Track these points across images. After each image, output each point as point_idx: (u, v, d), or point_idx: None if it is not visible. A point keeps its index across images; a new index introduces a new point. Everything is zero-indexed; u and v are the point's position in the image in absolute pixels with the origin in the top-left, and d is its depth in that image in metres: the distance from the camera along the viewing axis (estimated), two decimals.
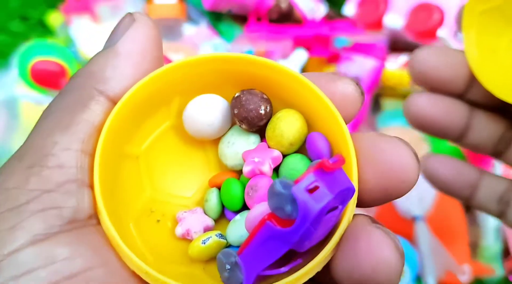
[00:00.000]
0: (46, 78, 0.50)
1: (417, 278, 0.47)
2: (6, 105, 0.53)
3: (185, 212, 0.19)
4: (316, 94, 0.17)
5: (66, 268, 0.14)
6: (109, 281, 0.15)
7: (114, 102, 0.17)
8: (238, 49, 0.59)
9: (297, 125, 0.18)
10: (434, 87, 0.26)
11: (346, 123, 0.17)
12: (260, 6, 0.62)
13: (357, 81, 0.17)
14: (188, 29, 0.65)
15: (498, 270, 0.48)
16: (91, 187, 0.16)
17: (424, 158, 0.29)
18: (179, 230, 0.19)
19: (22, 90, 0.53)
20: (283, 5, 0.63)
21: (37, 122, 0.16)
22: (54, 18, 0.62)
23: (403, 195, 0.16)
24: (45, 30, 0.63)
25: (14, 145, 0.52)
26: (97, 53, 0.17)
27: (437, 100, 0.26)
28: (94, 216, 0.16)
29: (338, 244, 0.16)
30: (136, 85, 0.17)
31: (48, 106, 0.17)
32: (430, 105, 0.26)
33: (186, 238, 0.19)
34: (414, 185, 0.16)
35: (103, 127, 0.16)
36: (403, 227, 0.48)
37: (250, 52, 0.58)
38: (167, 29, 0.64)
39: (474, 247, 0.50)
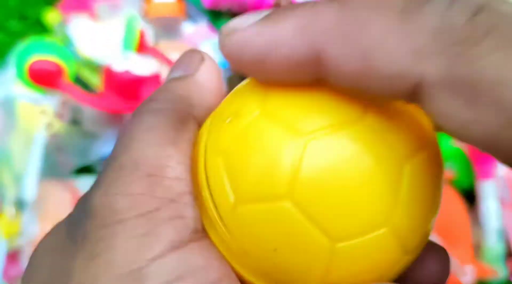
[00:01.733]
0: (43, 78, 0.50)
1: None
2: (3, 105, 0.53)
3: None
4: None
5: (206, 277, 0.14)
6: None
7: (199, 125, 0.17)
8: None
9: None
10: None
11: None
12: (260, 4, 0.62)
13: None
14: (188, 28, 0.65)
15: (501, 271, 0.48)
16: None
17: None
18: None
19: (19, 90, 0.52)
20: (284, 3, 0.62)
21: (133, 134, 0.16)
22: (52, 16, 0.62)
23: None
24: (43, 28, 0.63)
25: (11, 144, 0.52)
26: (175, 79, 0.18)
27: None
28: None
29: None
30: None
31: (141, 121, 0.16)
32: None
33: None
34: None
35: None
36: None
37: None
38: (166, 27, 0.64)
39: (477, 248, 0.49)
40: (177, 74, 0.18)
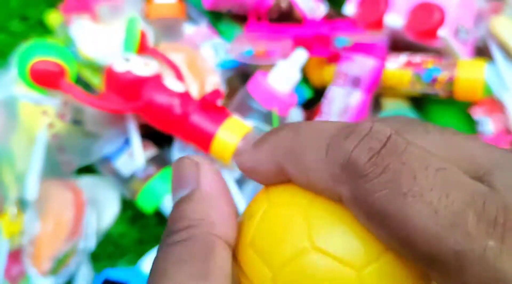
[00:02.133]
0: (45, 78, 0.50)
1: None
2: (5, 105, 0.53)
3: None
4: None
5: None
6: None
7: (229, 244, 0.17)
8: (238, 49, 0.59)
9: None
10: None
11: None
12: (260, 5, 0.62)
13: None
14: (188, 29, 0.65)
15: None
16: None
17: None
18: None
19: (21, 90, 0.53)
20: (283, 4, 0.62)
21: (164, 269, 0.16)
22: (53, 17, 0.62)
23: None
24: (44, 29, 0.63)
25: (13, 144, 0.52)
26: (184, 201, 0.18)
27: None
28: None
29: None
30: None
31: (170, 254, 0.17)
32: None
33: None
34: None
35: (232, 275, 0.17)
36: None
37: (249, 52, 0.58)
38: (167, 28, 0.64)
39: None
40: (182, 193, 0.18)
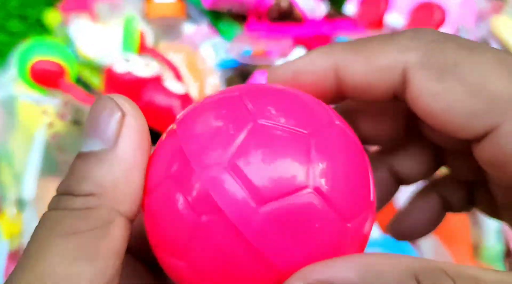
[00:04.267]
0: (45, 78, 0.50)
1: None
2: (4, 105, 0.53)
3: None
4: None
5: None
6: None
7: (129, 218, 0.15)
8: (238, 49, 0.58)
9: None
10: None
11: None
12: (260, 5, 0.62)
13: None
14: (188, 28, 0.65)
15: None
16: None
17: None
18: None
19: (20, 90, 0.53)
20: (283, 4, 0.62)
21: (48, 240, 0.14)
22: (52, 17, 0.62)
23: None
24: (43, 29, 0.63)
25: (11, 144, 0.52)
26: (95, 157, 0.15)
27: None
28: None
29: None
30: None
31: (60, 223, 0.15)
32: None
33: None
34: None
35: (126, 249, 0.15)
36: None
37: (248, 51, 0.58)
38: (167, 28, 0.64)
39: (476, 248, 0.49)
40: (94, 145, 0.15)
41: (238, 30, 0.64)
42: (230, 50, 0.59)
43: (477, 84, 0.15)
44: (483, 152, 0.16)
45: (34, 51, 0.49)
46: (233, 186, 0.14)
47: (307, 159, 0.15)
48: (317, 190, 0.15)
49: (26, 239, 0.49)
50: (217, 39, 0.63)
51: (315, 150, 0.15)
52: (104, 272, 0.14)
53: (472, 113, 0.15)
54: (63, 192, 0.15)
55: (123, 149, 0.15)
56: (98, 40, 0.58)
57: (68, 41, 0.58)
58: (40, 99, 0.53)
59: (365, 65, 0.17)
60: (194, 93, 0.57)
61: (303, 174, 0.14)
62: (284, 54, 0.56)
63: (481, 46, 0.16)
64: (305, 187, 0.14)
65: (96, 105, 0.16)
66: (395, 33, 0.17)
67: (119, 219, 0.15)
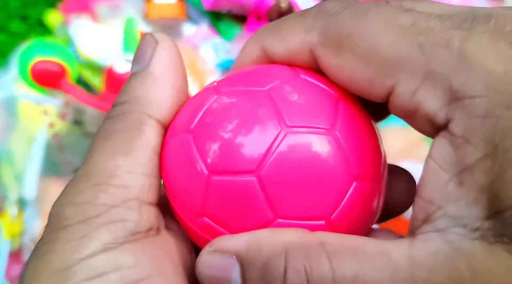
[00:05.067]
0: (46, 78, 0.50)
1: None
2: (5, 105, 0.53)
3: None
4: None
5: (132, 275, 0.16)
6: None
7: (162, 123, 0.18)
8: (238, 49, 0.59)
9: None
10: None
11: None
12: (260, 5, 0.62)
13: None
14: (188, 29, 0.65)
15: None
16: (151, 203, 0.18)
17: None
18: None
19: (21, 90, 0.53)
20: (283, 4, 0.62)
21: (95, 144, 0.18)
22: (53, 17, 0.62)
23: None
24: (44, 29, 0.63)
25: (12, 144, 0.52)
26: (133, 77, 0.19)
27: None
28: (153, 228, 0.18)
29: None
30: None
31: (103, 129, 0.18)
32: None
33: None
34: None
35: (160, 147, 0.18)
36: (403, 227, 0.48)
37: None
38: (167, 28, 0.64)
39: None
40: (134, 68, 0.19)
41: (238, 31, 0.64)
42: (230, 50, 0.60)
43: (368, 51, 0.15)
44: (392, 109, 0.16)
45: (35, 52, 0.49)
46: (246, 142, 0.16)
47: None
48: (334, 137, 0.16)
49: (27, 239, 0.49)
50: (217, 40, 0.63)
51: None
52: (140, 163, 0.17)
53: (369, 80, 0.16)
54: (112, 106, 0.19)
55: (154, 67, 0.18)
56: (98, 41, 0.58)
57: (69, 42, 0.58)
58: (41, 99, 0.53)
59: (281, 47, 0.18)
60: (194, 93, 0.57)
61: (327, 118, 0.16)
62: None
63: (376, 8, 0.16)
64: (326, 130, 0.16)
65: (141, 39, 0.19)
66: (305, 12, 0.18)
67: (149, 121, 0.18)
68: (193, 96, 0.19)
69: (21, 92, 0.53)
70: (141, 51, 0.19)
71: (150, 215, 0.17)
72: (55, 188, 0.53)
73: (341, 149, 0.16)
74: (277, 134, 0.15)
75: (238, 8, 0.64)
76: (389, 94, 0.16)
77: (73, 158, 0.55)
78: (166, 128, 0.18)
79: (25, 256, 0.48)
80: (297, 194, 0.15)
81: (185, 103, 0.19)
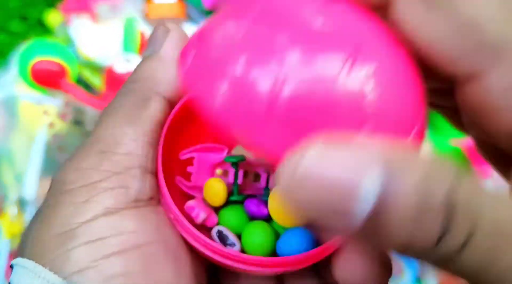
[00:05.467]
0: (46, 78, 0.50)
1: (417, 279, 0.46)
2: (5, 105, 0.53)
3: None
4: None
5: (133, 240, 0.16)
6: (167, 256, 0.17)
7: (169, 101, 0.19)
8: None
9: None
10: None
11: None
12: None
13: None
14: (188, 29, 0.65)
15: None
16: (153, 173, 0.18)
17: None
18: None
19: (21, 90, 0.53)
20: None
21: (102, 117, 0.18)
22: (53, 17, 0.62)
23: None
24: (44, 29, 0.63)
25: (12, 144, 0.52)
26: (144, 60, 0.20)
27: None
28: (155, 198, 0.18)
29: None
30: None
31: (111, 105, 0.19)
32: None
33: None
34: None
35: (164, 124, 0.19)
36: None
37: None
38: None
39: None
40: (147, 52, 0.20)
41: None
42: None
43: (469, 20, 0.13)
44: (465, 95, 0.14)
45: (35, 52, 0.49)
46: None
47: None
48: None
49: None
50: None
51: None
52: (145, 132, 0.18)
53: (458, 52, 0.13)
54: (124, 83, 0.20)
55: (164, 50, 0.19)
56: (98, 41, 0.58)
57: (69, 42, 0.58)
58: (41, 99, 0.53)
59: None
60: None
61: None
62: None
63: None
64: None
65: (154, 29, 0.20)
66: None
67: (156, 96, 0.18)
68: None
69: (21, 92, 0.53)
70: (153, 38, 0.20)
71: (153, 183, 0.18)
72: None
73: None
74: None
75: None
76: (471, 77, 0.13)
77: None
78: (172, 106, 0.19)
79: None
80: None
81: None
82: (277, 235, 0.20)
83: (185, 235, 0.18)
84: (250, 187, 0.21)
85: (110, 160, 0.17)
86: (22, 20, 0.64)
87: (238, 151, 0.22)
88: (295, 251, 0.18)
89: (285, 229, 0.20)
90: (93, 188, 0.17)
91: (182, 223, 0.18)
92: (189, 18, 0.66)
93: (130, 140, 0.18)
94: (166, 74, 0.19)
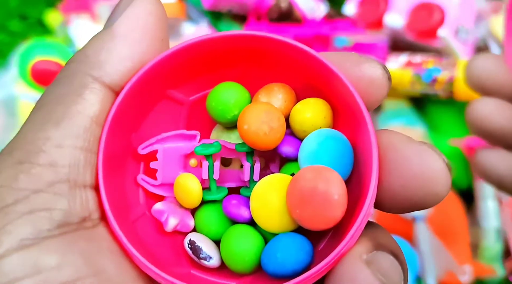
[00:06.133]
0: (46, 78, 0.50)
1: (417, 279, 0.46)
2: (5, 105, 0.53)
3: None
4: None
5: (54, 278, 0.13)
6: None
7: (111, 88, 0.15)
8: None
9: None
10: (491, 93, 0.25)
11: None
12: (260, 5, 0.62)
13: (384, 65, 0.16)
14: (188, 29, 0.65)
15: (498, 271, 0.48)
16: (93, 186, 0.15)
17: (477, 153, 0.27)
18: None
19: (21, 90, 0.53)
20: (283, 4, 0.62)
21: (30, 115, 0.15)
22: (53, 17, 0.62)
23: (432, 206, 0.15)
24: (43, 29, 0.63)
25: None
26: (94, 36, 0.16)
27: (505, 107, 0.25)
28: (92, 217, 0.15)
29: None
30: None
31: (41, 97, 0.15)
32: (498, 112, 0.25)
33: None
34: (445, 197, 0.14)
35: (104, 119, 0.15)
36: (403, 228, 0.48)
37: None
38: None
39: (475, 248, 0.50)
40: (104, 27, 0.17)
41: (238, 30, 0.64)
42: None
43: None
44: None
45: (35, 51, 0.49)
46: None
47: None
48: None
49: None
50: None
51: None
52: (74, 134, 0.14)
53: None
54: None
55: (117, 26, 0.16)
56: None
57: (69, 42, 0.58)
58: None
59: None
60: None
61: None
62: None
63: None
64: None
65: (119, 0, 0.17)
66: None
67: (93, 84, 0.15)
68: None
69: (21, 92, 0.53)
70: (115, 10, 0.16)
71: (86, 200, 0.14)
72: None
73: None
74: None
75: (238, 8, 0.64)
76: None
77: None
78: (116, 94, 0.15)
79: None
80: None
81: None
82: (265, 242, 0.16)
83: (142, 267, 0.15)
84: (232, 177, 0.18)
85: (28, 173, 0.13)
86: (22, 20, 0.64)
87: (214, 135, 0.18)
88: (287, 268, 0.15)
89: (273, 235, 0.16)
90: (6, 213, 0.13)
91: (130, 252, 0.14)
92: (189, 18, 0.66)
93: (52, 147, 0.14)
94: (113, 54, 0.15)
